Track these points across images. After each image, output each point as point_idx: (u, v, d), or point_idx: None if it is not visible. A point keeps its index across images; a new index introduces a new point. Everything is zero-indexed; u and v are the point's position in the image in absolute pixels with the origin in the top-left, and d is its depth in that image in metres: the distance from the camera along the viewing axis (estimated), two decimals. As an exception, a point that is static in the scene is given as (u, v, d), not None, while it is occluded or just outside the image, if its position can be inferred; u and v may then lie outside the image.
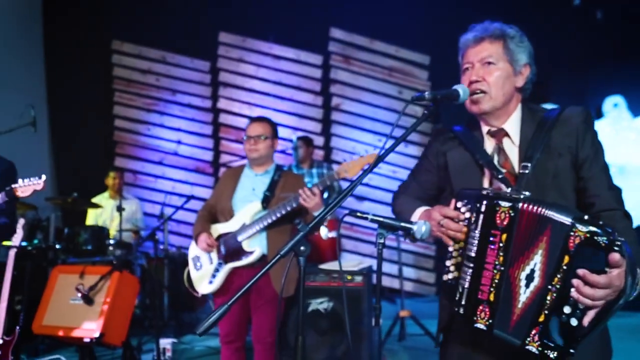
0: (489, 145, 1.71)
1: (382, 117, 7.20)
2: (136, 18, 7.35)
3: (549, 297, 1.36)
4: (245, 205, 3.15)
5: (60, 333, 3.22)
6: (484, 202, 1.48)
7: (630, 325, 4.60)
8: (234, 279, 3.09)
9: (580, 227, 1.31)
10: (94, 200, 6.02)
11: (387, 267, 6.98)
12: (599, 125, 6.31)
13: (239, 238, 3.08)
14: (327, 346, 3.59)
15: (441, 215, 1.57)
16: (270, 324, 3.12)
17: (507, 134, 1.68)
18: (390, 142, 1.56)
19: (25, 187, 2.64)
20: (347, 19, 7.25)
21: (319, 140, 7.25)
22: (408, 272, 6.90)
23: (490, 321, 1.44)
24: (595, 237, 1.30)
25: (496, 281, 1.44)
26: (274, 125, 3.32)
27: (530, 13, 6.27)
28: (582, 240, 1.31)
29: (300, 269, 1.44)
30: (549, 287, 1.36)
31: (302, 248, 1.42)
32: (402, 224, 1.58)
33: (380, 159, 1.55)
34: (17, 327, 3.21)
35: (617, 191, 1.61)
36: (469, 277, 1.49)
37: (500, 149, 1.67)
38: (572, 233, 1.32)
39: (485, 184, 1.66)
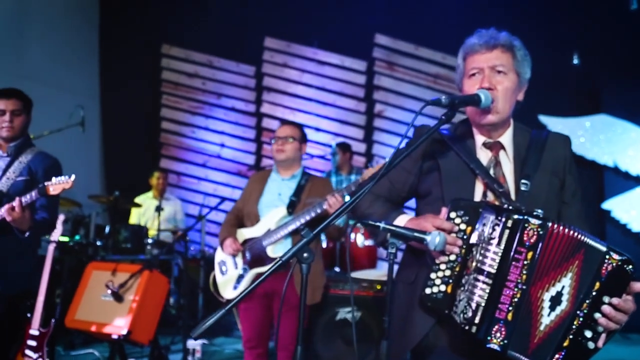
0: (484, 156, 1.66)
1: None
2: (185, 23, 7.51)
3: (575, 322, 1.38)
4: (270, 210, 3.12)
5: (90, 328, 3.28)
6: (511, 217, 1.41)
7: None
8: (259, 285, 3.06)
9: (614, 255, 1.37)
10: (138, 199, 6.18)
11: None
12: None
13: (264, 243, 3.06)
14: (354, 356, 3.52)
15: (433, 227, 1.49)
16: (294, 332, 3.08)
17: (503, 147, 1.66)
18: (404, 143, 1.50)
19: (56, 185, 2.71)
20: (392, 25, 7.16)
21: (360, 147, 7.18)
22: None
23: (506, 341, 1.37)
24: (625, 266, 1.36)
25: (516, 300, 1.38)
26: (302, 130, 3.29)
27: (581, 19, 6.01)
28: (614, 267, 1.37)
29: (303, 277, 1.39)
30: (578, 312, 1.38)
31: (305, 255, 1.37)
32: (416, 234, 1.51)
33: (392, 165, 1.49)
34: (53, 320, 3.31)
35: (591, 222, 1.72)
36: (484, 294, 1.40)
37: (497, 162, 1.63)
38: (606, 260, 1.37)
39: (478, 194, 1.60)
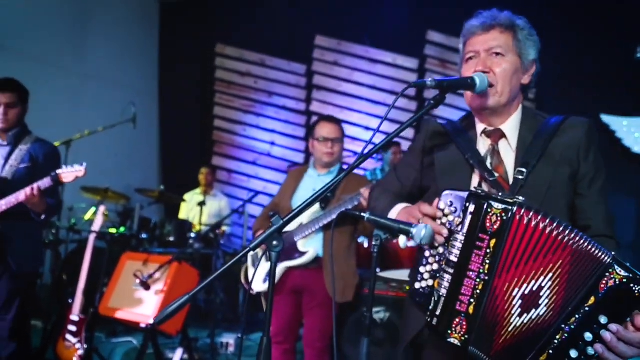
0: (483, 145, 1.55)
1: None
2: (239, 23, 7.65)
3: (558, 337, 1.19)
4: None
5: (121, 316, 3.37)
6: (473, 202, 1.29)
7: None
8: (288, 279, 3.04)
9: (618, 269, 1.16)
10: (187, 195, 6.33)
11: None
12: None
13: (296, 238, 3.03)
14: (382, 357, 3.42)
15: (421, 214, 1.40)
16: (322, 329, 3.03)
17: (504, 136, 1.52)
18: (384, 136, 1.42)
19: (68, 173, 2.82)
20: (444, 21, 6.95)
21: (408, 145, 7.03)
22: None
23: (467, 337, 1.25)
24: (632, 285, 1.13)
25: (478, 291, 1.26)
26: (342, 127, 3.26)
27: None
28: (616, 284, 1.15)
29: (273, 265, 1.33)
30: (563, 325, 1.19)
31: (274, 243, 1.32)
32: (401, 226, 1.43)
33: (376, 148, 1.42)
34: (92, 308, 3.44)
35: (612, 218, 1.50)
36: (446, 284, 1.30)
37: (494, 151, 1.51)
38: (607, 273, 1.16)
39: (475, 185, 1.49)
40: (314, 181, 3.19)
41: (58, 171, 2.81)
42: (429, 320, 1.36)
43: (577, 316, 1.18)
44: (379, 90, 7.33)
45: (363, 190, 2.85)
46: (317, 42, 7.50)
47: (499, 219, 1.25)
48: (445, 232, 1.38)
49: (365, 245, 4.87)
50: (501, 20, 1.51)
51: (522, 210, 1.25)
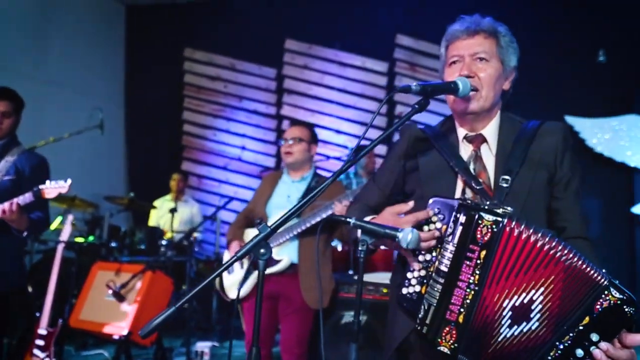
0: (465, 151, 1.56)
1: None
2: (208, 27, 7.56)
3: (552, 353, 1.21)
4: (279, 212, 3.08)
5: (93, 328, 3.28)
6: (464, 213, 1.30)
7: None
8: (264, 286, 3.01)
9: (614, 291, 1.19)
10: (157, 201, 6.22)
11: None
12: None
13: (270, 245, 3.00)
14: (360, 362, 3.42)
15: (410, 219, 1.40)
16: (299, 335, 3.02)
17: (485, 141, 1.54)
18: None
19: (51, 189, 2.71)
20: (414, 25, 7.03)
21: (381, 149, 7.06)
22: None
23: (456, 345, 1.26)
24: (625, 307, 1.18)
25: (467, 301, 1.27)
26: (313, 131, 3.24)
27: (607, 15, 5.74)
28: (611, 305, 1.18)
29: (261, 273, 1.31)
30: (557, 343, 1.21)
31: (261, 251, 1.30)
32: (387, 231, 1.42)
33: (360, 154, 1.41)
34: (60, 320, 3.32)
35: (586, 219, 1.56)
36: (437, 294, 1.30)
37: (477, 157, 1.52)
38: (603, 295, 1.18)
39: (458, 192, 1.51)
40: (288, 187, 3.17)
41: (41, 186, 2.69)
42: (419, 328, 1.36)
43: (571, 334, 1.20)
44: (349, 93, 7.35)
45: (336, 202, 2.86)
46: (287, 46, 7.48)
47: (490, 230, 1.26)
48: (436, 234, 1.39)
49: (339, 248, 4.87)
50: (485, 26, 1.52)
51: (513, 223, 1.26)
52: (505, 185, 1.44)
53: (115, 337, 3.17)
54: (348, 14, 6.98)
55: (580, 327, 1.19)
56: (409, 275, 1.47)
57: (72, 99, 6.63)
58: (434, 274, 1.35)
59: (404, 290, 1.48)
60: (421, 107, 1.40)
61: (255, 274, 3.02)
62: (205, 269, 5.42)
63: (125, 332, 3.13)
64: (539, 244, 1.23)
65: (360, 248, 1.44)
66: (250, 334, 3.09)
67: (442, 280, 1.32)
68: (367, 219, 1.54)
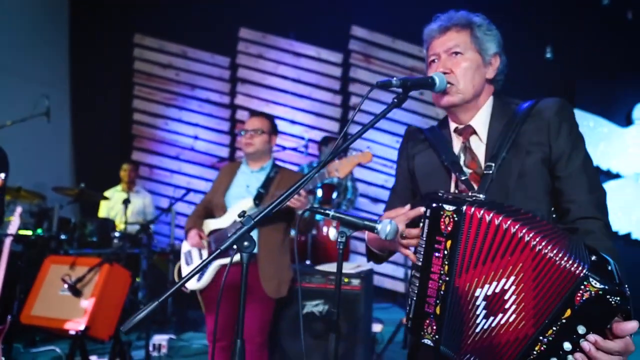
0: (457, 144, 1.55)
1: (401, 118, 7.01)
2: (159, 12, 7.36)
3: (537, 348, 1.17)
4: (238, 201, 3.07)
5: (47, 324, 3.17)
6: (427, 206, 1.33)
7: None
8: (222, 276, 2.99)
9: (593, 282, 1.11)
10: (107, 192, 6.03)
11: (394, 270, 6.78)
12: (627, 133, 6.08)
13: (229, 235, 2.98)
14: (321, 350, 3.46)
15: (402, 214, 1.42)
16: (260, 324, 3.03)
17: (474, 132, 1.53)
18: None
19: None
20: (369, 17, 7.10)
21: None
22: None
23: (437, 337, 1.29)
24: (608, 297, 1.10)
25: (442, 292, 1.28)
26: (273, 121, 3.24)
27: (553, 12, 6.00)
28: (592, 296, 1.11)
29: (243, 266, 1.31)
30: (541, 337, 1.16)
31: (245, 243, 1.29)
32: (366, 223, 1.44)
33: (338, 151, 1.42)
34: (9, 316, 3.19)
35: (599, 195, 1.40)
36: (416, 288, 1.34)
37: (466, 148, 1.51)
38: (582, 287, 1.11)
39: (453, 187, 1.50)
40: (247, 177, 3.16)
41: None
42: (406, 324, 1.37)
43: (554, 328, 1.15)
44: (303, 83, 7.35)
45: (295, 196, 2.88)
46: (242, 35, 7.39)
47: (452, 220, 1.26)
48: (414, 232, 1.40)
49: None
50: (457, 20, 1.53)
51: (473, 209, 1.23)
52: (489, 172, 1.41)
53: (72, 332, 3.06)
54: (303, 4, 6.96)
55: (563, 320, 1.14)
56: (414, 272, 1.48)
57: (15, 85, 6.31)
58: (413, 270, 1.37)
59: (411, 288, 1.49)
60: (400, 101, 1.42)
61: (215, 264, 3.01)
62: (159, 260, 5.31)
63: (82, 327, 3.04)
64: (503, 227, 1.19)
65: (340, 239, 1.46)
66: (212, 326, 3.07)
67: (418, 275, 1.34)
68: None
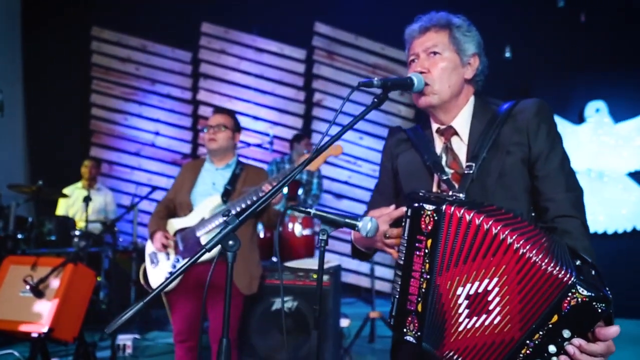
0: (439, 144, 1.58)
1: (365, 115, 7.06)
2: (117, 5, 7.19)
3: (523, 351, 1.21)
4: (204, 199, 3.03)
5: (7, 327, 3.06)
6: (407, 205, 1.35)
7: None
8: (191, 275, 2.95)
9: (581, 289, 1.14)
10: (66, 190, 5.86)
11: (358, 265, 6.87)
12: (580, 131, 6.33)
13: (198, 233, 2.96)
14: (290, 346, 3.47)
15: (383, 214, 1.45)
16: (230, 322, 3.00)
17: (456, 132, 1.55)
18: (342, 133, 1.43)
19: None
20: (332, 14, 7.13)
21: (315, 137, 7.13)
22: (381, 271, 6.78)
23: (419, 333, 1.32)
24: (594, 304, 1.14)
25: (423, 290, 1.30)
26: (235, 118, 3.23)
27: (512, 14, 6.18)
28: (579, 303, 1.14)
29: (228, 265, 1.31)
30: (528, 341, 1.20)
31: (230, 242, 1.29)
32: (347, 221, 1.46)
33: (320, 150, 1.44)
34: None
35: (576, 193, 1.44)
36: (399, 286, 1.37)
37: (448, 148, 1.54)
38: (569, 294, 1.15)
39: (435, 187, 1.53)
40: (212, 175, 3.14)
41: None
42: (390, 321, 1.39)
43: (541, 332, 1.19)
44: (266, 79, 7.32)
45: (266, 184, 2.88)
46: (204, 30, 7.29)
47: (432, 219, 1.28)
48: (394, 232, 1.43)
49: (261, 235, 4.89)
50: (436, 21, 1.56)
51: (452, 208, 1.25)
52: (469, 172, 1.44)
53: (34, 335, 2.97)
54: (266, 0, 6.93)
55: (550, 325, 1.18)
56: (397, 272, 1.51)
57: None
58: (395, 269, 1.39)
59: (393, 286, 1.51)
60: (380, 100, 1.45)
61: (182, 264, 2.97)
62: (121, 259, 5.21)
63: (45, 330, 2.95)
64: (484, 227, 1.21)
65: (321, 237, 1.47)
66: (179, 327, 3.03)
67: (400, 273, 1.36)
68: None
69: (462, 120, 1.56)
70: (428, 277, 1.29)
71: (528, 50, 6.25)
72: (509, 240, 1.19)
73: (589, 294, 1.14)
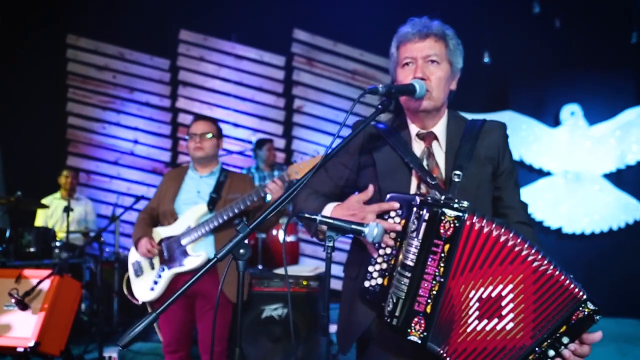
0: (417, 147, 1.66)
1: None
2: (93, 12, 7.07)
3: (531, 357, 1.34)
4: (189, 207, 3.01)
5: (-8, 341, 2.98)
6: (427, 209, 1.38)
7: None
8: (178, 285, 2.92)
9: (590, 305, 1.31)
10: (45, 200, 5.75)
11: (339, 270, 6.87)
12: (556, 133, 6.47)
13: (183, 242, 2.94)
14: (280, 354, 3.47)
15: (369, 213, 1.48)
16: (219, 332, 2.98)
17: (436, 138, 1.65)
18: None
19: None
20: (311, 20, 7.15)
21: (279, 143, 7.13)
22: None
23: (425, 334, 1.35)
24: (595, 315, 1.31)
25: (434, 292, 1.35)
26: (218, 125, 3.23)
27: (490, 20, 6.30)
28: (585, 316, 1.31)
29: (239, 273, 1.31)
30: (537, 349, 1.33)
31: (241, 251, 1.30)
32: (353, 227, 1.48)
33: (328, 157, 1.45)
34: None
35: (526, 206, 1.70)
36: (405, 287, 1.39)
37: (430, 153, 1.63)
38: (580, 308, 1.31)
39: (413, 187, 1.60)
40: (197, 183, 3.12)
41: None
42: (388, 320, 1.41)
43: (549, 341, 1.32)
44: (246, 86, 7.31)
45: (270, 182, 2.89)
46: (182, 37, 7.25)
47: (452, 225, 1.34)
48: (398, 227, 1.46)
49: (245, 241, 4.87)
50: (434, 29, 1.61)
51: (474, 218, 1.34)
52: (457, 180, 1.53)
53: (20, 349, 2.90)
54: (244, 6, 6.92)
55: (557, 335, 1.32)
56: (370, 268, 1.54)
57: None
58: (399, 269, 1.41)
59: (367, 284, 1.54)
60: (384, 107, 1.48)
61: (169, 274, 2.94)
62: (103, 270, 5.11)
63: (31, 344, 2.88)
64: (502, 238, 1.32)
65: (328, 244, 1.48)
66: (168, 337, 3.00)
67: (408, 274, 1.38)
68: (331, 205, 1.59)
69: (441, 129, 1.66)
70: (442, 280, 1.35)
71: (505, 55, 6.38)
72: (525, 252, 1.31)
73: (595, 307, 1.30)
